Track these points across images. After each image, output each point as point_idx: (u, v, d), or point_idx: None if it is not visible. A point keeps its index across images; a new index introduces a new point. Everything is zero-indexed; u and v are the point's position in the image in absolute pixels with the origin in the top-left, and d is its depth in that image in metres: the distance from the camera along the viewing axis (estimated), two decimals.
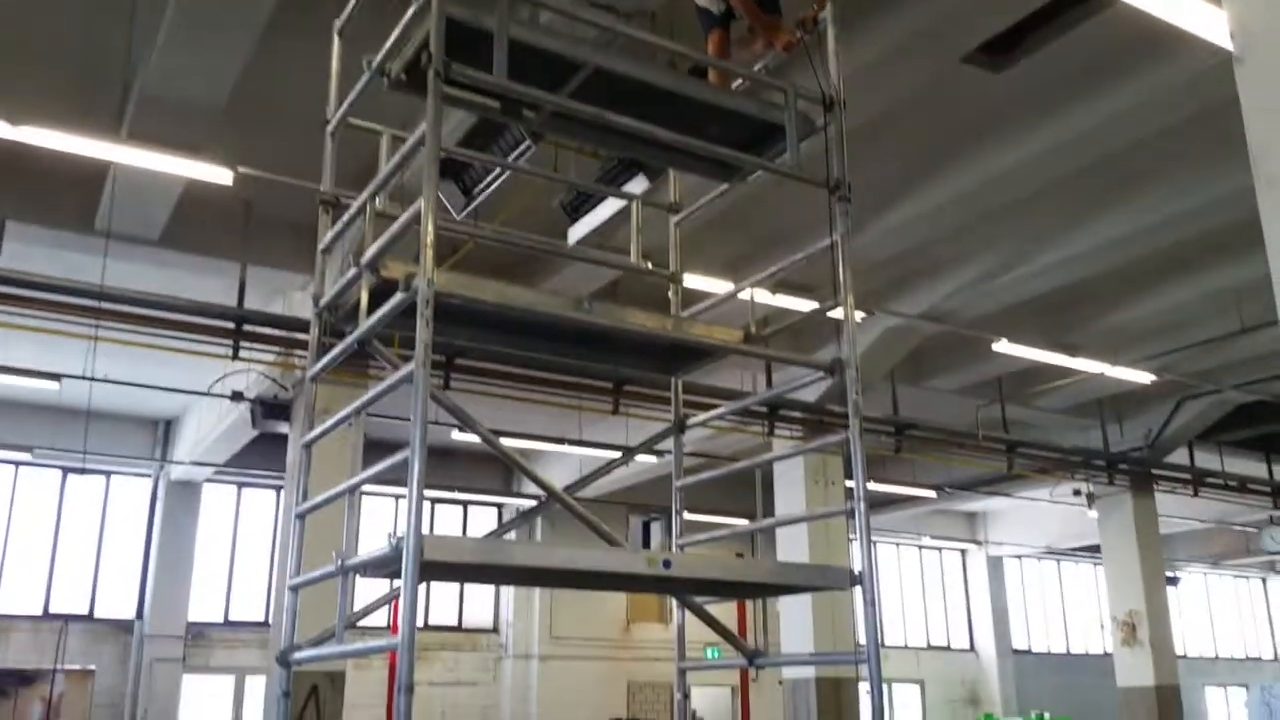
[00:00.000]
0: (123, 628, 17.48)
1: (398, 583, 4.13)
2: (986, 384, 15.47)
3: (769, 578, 4.74)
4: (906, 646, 25.48)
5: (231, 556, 18.98)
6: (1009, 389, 15.55)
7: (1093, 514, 17.62)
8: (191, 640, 17.81)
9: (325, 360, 4.75)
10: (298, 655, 4.55)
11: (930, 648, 25.96)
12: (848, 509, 4.54)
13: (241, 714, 18.17)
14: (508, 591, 21.32)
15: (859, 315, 11.48)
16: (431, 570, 3.84)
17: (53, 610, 17.20)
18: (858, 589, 4.48)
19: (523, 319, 4.67)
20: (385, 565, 3.85)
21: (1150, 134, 9.21)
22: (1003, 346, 12.88)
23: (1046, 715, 21.83)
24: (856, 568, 4.51)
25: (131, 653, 17.31)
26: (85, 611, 17.47)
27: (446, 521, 20.81)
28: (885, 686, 23.11)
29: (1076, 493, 17.41)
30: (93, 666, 10.00)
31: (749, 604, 18.54)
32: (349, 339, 4.42)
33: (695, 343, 4.97)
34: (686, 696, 5.67)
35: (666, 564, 4.27)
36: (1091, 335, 13.79)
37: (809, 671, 13.05)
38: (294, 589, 4.74)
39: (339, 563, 4.13)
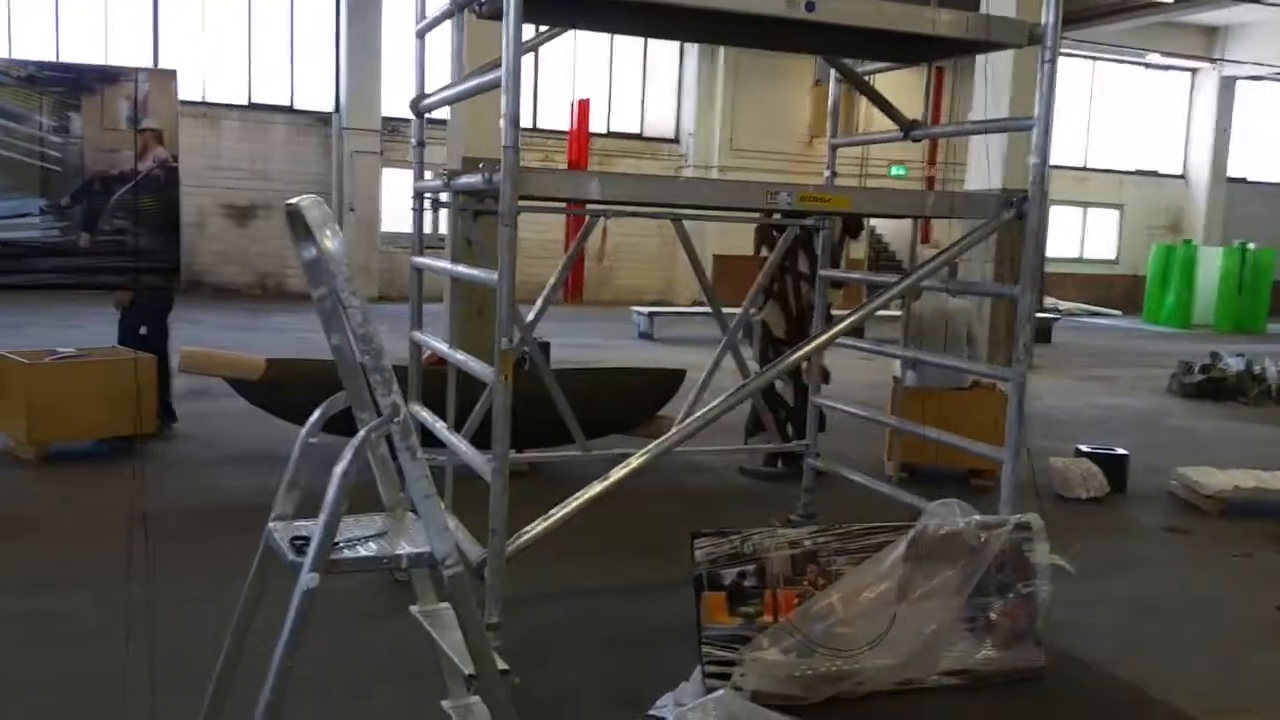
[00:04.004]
0: (322, 120, 18.33)
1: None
2: None
3: (936, 28, 4.11)
4: (1110, 170, 24.23)
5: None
6: None
7: None
8: (388, 135, 18.57)
9: None
10: (424, 102, 4.51)
11: (1136, 173, 24.61)
12: None
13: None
14: (689, 103, 21.11)
15: None
16: (537, 7, 3.44)
17: (256, 101, 18.09)
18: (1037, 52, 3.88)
19: None
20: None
21: None
22: None
23: (1251, 245, 20.74)
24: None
25: (332, 146, 18.30)
26: (286, 103, 18.32)
27: None
28: (1081, 210, 22.12)
29: None
30: (172, 67, 10.55)
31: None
32: None
33: None
34: (834, 174, 5.38)
35: (810, 7, 3.72)
36: None
37: (993, 180, 12.44)
38: (419, 35, 4.64)
39: (452, 4, 3.84)
